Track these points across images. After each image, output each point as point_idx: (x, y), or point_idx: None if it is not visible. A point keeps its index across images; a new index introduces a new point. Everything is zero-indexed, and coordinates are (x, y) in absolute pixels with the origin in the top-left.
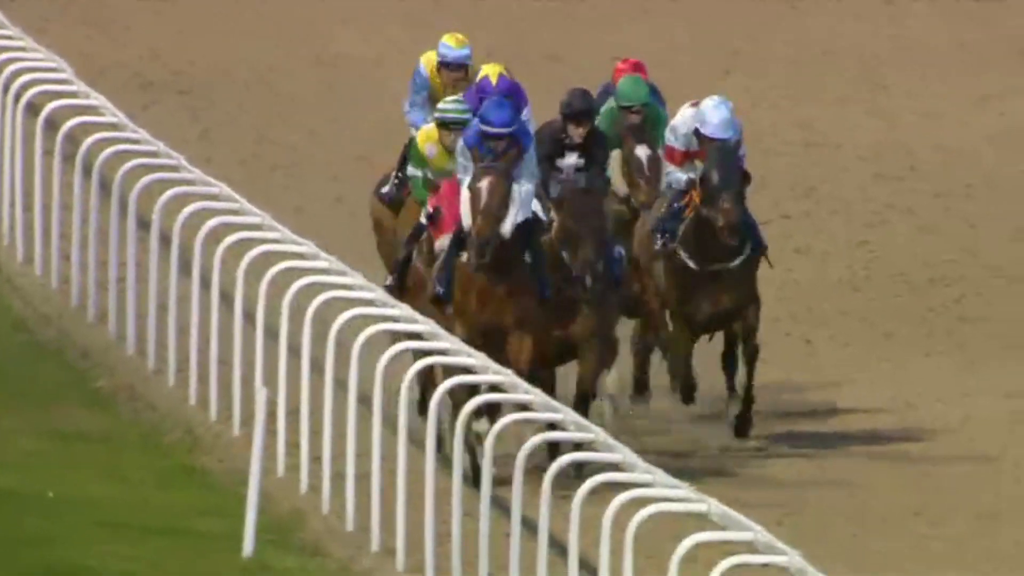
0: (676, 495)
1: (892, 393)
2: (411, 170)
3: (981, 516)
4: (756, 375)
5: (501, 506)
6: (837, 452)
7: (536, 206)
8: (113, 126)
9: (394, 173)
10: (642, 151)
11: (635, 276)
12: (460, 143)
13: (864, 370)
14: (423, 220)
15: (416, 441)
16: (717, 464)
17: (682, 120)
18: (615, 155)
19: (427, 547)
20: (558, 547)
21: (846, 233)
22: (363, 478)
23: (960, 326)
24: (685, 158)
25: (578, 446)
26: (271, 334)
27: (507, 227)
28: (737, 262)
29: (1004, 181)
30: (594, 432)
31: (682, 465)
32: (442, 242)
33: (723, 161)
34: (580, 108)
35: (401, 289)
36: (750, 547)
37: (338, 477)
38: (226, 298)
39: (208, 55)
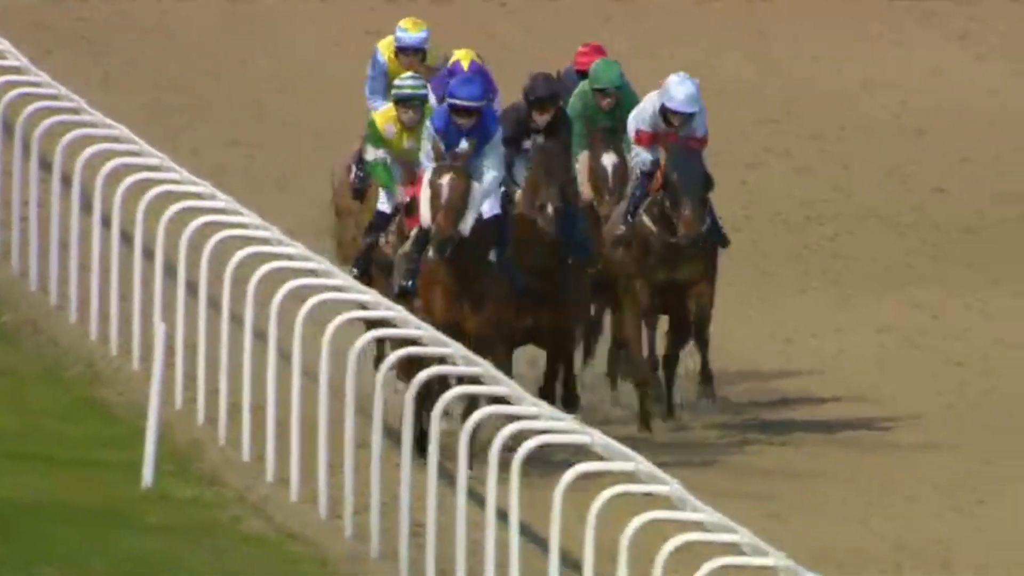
0: (561, 427)
1: (771, 330)
2: (370, 151)
3: (846, 446)
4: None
5: (392, 436)
6: (722, 382)
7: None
8: (16, 70)
9: (358, 163)
10: (608, 159)
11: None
12: (427, 125)
13: (745, 307)
14: (383, 208)
15: (309, 374)
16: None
17: (649, 102)
18: (582, 157)
19: (320, 479)
20: (448, 477)
21: (726, 175)
22: (258, 410)
23: (834, 263)
24: (653, 139)
25: (464, 380)
26: (170, 271)
27: (467, 225)
28: (696, 235)
29: (876, 124)
30: (482, 366)
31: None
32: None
33: (686, 165)
34: (543, 94)
35: (368, 279)
36: (631, 477)
37: (234, 409)
38: (126, 236)
39: (108, 1)
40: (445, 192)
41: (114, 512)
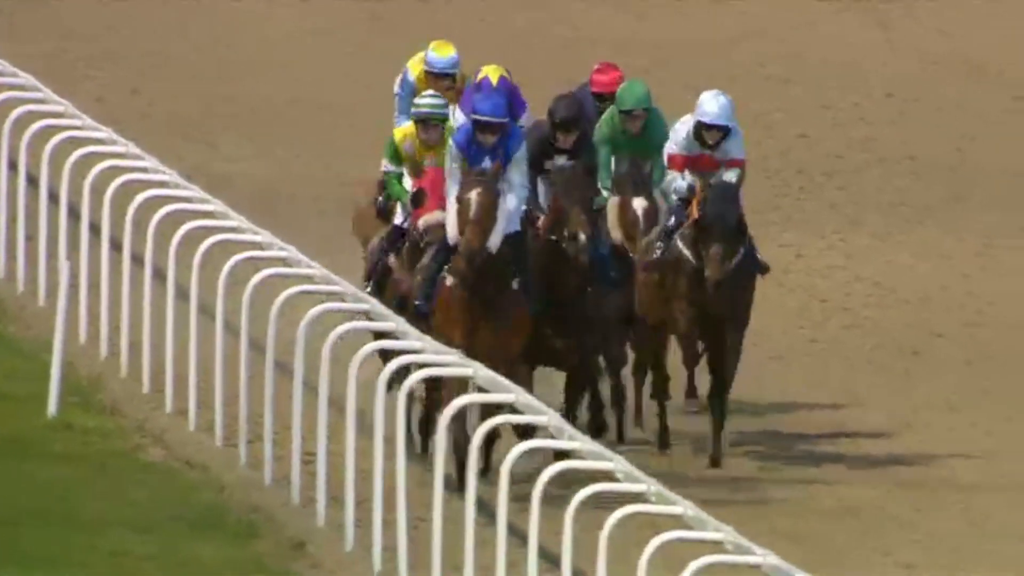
0: (445, 360)
1: None
2: (386, 165)
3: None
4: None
5: (285, 370)
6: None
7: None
8: None
9: (381, 187)
10: (639, 203)
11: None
12: (450, 144)
13: None
14: (398, 222)
15: (207, 312)
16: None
17: (682, 124)
18: (612, 202)
19: (216, 410)
20: (337, 404)
21: None
22: (158, 345)
23: None
24: (686, 163)
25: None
26: (74, 213)
27: (495, 240)
28: (732, 265)
29: (745, 74)
30: (395, 322)
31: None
32: (427, 217)
33: (722, 205)
34: (567, 116)
35: (380, 296)
36: (521, 414)
37: (136, 345)
38: (32, 180)
39: None
40: (474, 207)
41: (21, 441)
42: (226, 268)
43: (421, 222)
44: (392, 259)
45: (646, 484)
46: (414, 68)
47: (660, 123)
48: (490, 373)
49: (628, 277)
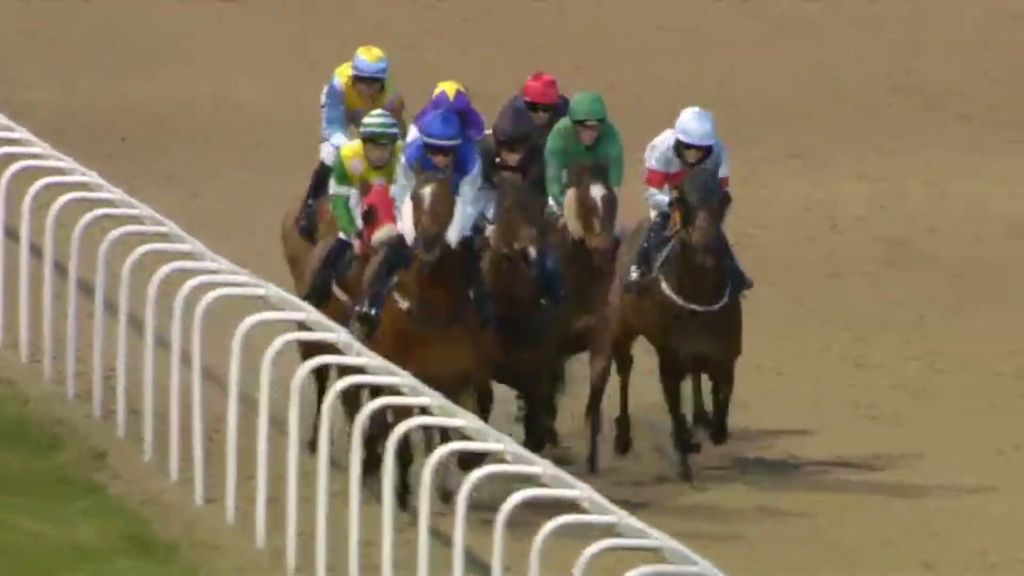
0: (239, 280)
1: None
2: (334, 188)
3: None
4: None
5: (85, 288)
6: None
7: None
8: None
9: (305, 201)
10: (597, 191)
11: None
12: (402, 161)
13: None
14: (345, 236)
15: (12, 235)
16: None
17: (661, 140)
18: (569, 193)
19: (21, 327)
20: (136, 322)
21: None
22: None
23: None
24: (665, 179)
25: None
26: None
27: (453, 234)
28: (720, 304)
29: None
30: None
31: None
32: (379, 234)
33: (701, 181)
34: (514, 135)
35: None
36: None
37: None
38: None
39: None
40: (428, 197)
41: None
42: (31, 192)
43: (374, 239)
44: (335, 286)
45: (614, 515)
46: (342, 74)
47: (614, 135)
48: (439, 397)
49: (582, 292)
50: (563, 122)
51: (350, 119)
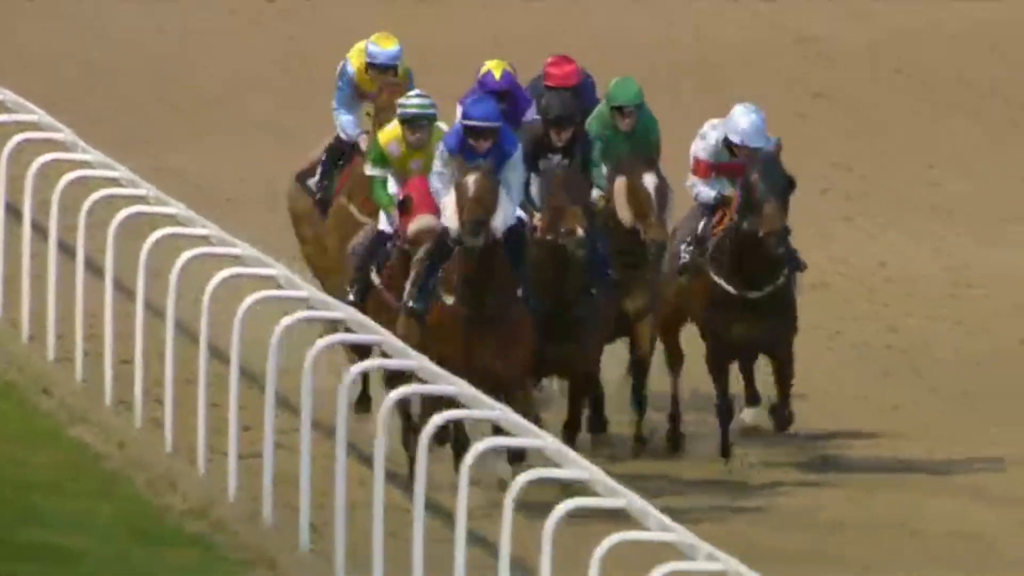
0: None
1: None
2: (370, 170)
3: None
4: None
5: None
6: None
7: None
8: None
9: (320, 170)
10: (649, 180)
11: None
12: (440, 148)
13: None
14: (383, 227)
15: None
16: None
17: (710, 128)
18: (618, 183)
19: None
20: (93, 266)
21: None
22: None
23: None
24: (711, 170)
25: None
26: None
27: (498, 222)
28: (772, 288)
29: None
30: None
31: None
32: (416, 224)
33: (766, 168)
34: (561, 114)
35: (363, 307)
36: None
37: None
38: None
39: None
40: (473, 186)
41: None
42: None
43: (410, 229)
44: (375, 276)
45: (652, 515)
46: (354, 60)
47: (651, 121)
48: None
49: (632, 276)
50: (601, 107)
51: (361, 98)
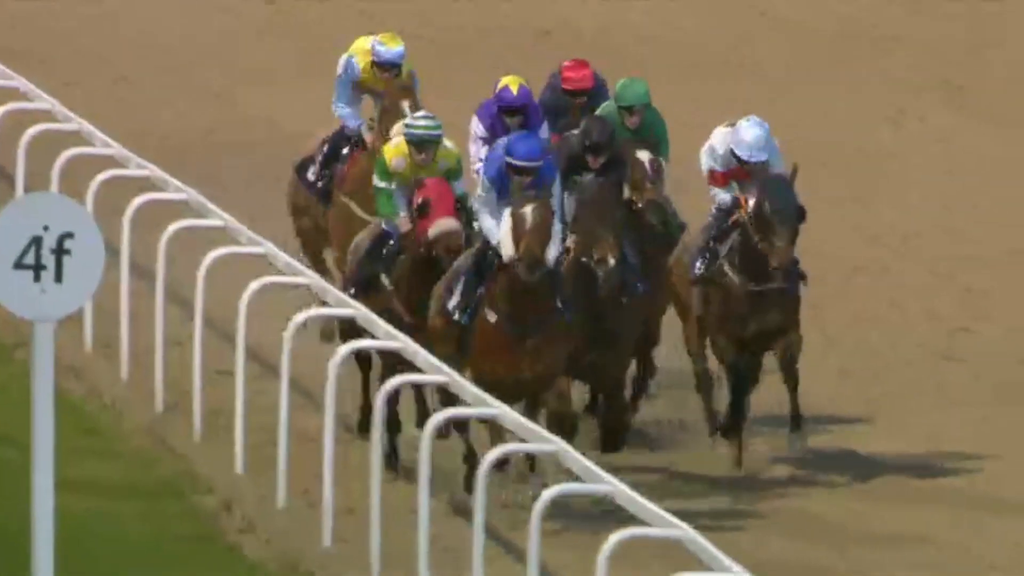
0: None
1: None
2: (377, 182)
3: None
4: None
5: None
6: None
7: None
8: None
9: (319, 161)
10: (643, 154)
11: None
12: (482, 178)
13: None
14: (387, 228)
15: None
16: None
17: (720, 140)
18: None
19: None
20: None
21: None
22: None
23: None
24: (727, 179)
25: None
26: None
27: (551, 253)
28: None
29: None
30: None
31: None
32: (438, 226)
33: (779, 194)
34: (599, 141)
35: (364, 302)
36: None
37: None
38: None
39: None
40: (531, 218)
41: None
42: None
43: (431, 232)
44: (385, 279)
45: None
46: (361, 58)
47: (658, 121)
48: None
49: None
50: (608, 106)
51: (365, 91)
